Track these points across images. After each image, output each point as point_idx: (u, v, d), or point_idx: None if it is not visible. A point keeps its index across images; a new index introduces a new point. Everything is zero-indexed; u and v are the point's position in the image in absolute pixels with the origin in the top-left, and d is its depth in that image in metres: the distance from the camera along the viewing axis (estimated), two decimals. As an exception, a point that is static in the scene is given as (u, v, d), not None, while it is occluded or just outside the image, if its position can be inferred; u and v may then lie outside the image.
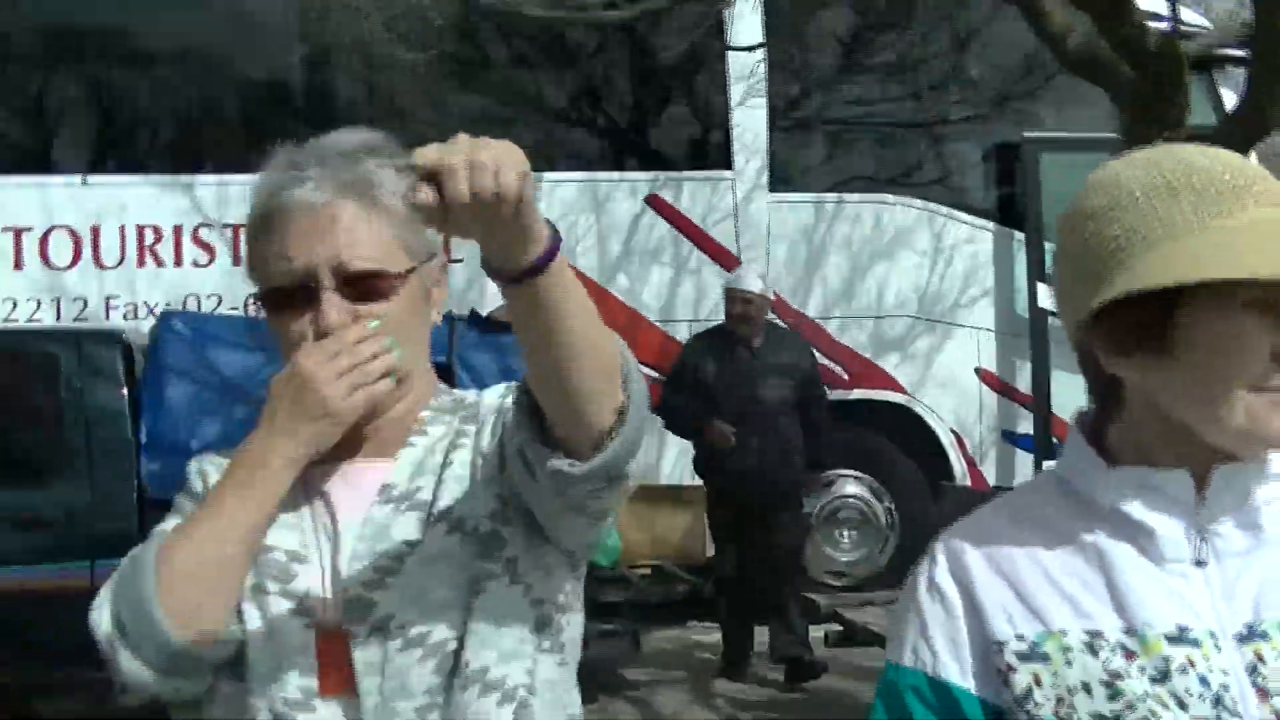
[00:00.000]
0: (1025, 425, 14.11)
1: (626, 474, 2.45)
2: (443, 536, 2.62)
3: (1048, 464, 13.43)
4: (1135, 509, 2.19)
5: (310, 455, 2.62)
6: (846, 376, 13.73)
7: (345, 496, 2.68)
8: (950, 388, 14.19)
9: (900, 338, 14.14)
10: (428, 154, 2.08)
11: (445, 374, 10.27)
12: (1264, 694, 2.09)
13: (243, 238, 2.84)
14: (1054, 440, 13.77)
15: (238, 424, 9.77)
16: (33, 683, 9.64)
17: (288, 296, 2.65)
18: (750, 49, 13.53)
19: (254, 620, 2.60)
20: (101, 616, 2.59)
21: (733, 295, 11.68)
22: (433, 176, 2.07)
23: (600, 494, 2.45)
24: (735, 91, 13.80)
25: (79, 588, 9.30)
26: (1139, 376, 2.19)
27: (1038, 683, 2.17)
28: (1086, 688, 2.14)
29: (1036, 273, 13.75)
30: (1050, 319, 13.67)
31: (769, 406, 11.52)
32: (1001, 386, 14.21)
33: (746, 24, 13.39)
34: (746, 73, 13.76)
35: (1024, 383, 14.08)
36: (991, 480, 14.04)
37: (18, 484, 9.75)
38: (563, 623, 2.73)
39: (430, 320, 2.78)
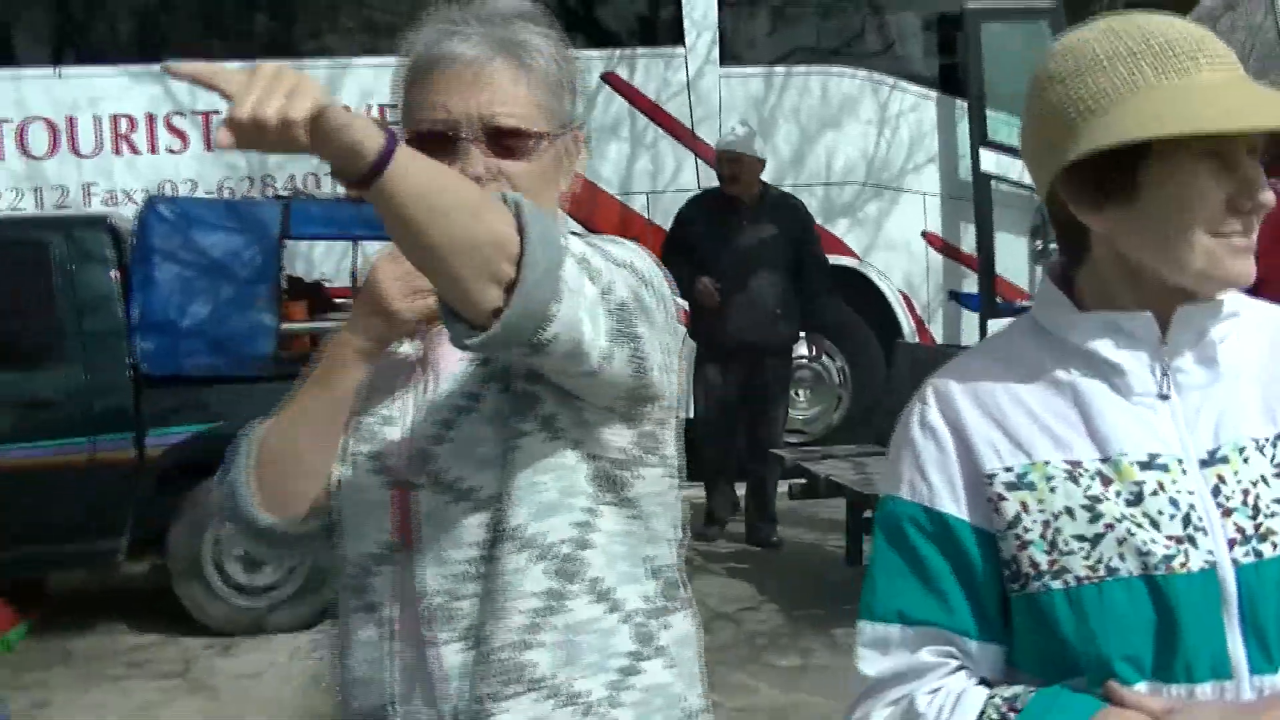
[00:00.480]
0: (970, 285, 14.28)
1: (536, 341, 2.37)
2: (497, 394, 2.66)
3: (992, 321, 13.73)
4: (1105, 348, 2.36)
5: (377, 349, 2.72)
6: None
7: (448, 358, 2.73)
8: (898, 250, 14.30)
9: (849, 204, 14.25)
10: (195, 69, 2.19)
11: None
12: (1227, 512, 2.27)
13: (394, 83, 2.81)
14: (997, 298, 13.98)
15: (225, 302, 10.03)
16: (39, 555, 9.88)
17: (435, 142, 2.64)
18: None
19: (342, 480, 2.75)
20: (216, 495, 2.84)
21: (720, 157, 11.73)
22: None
23: (531, 358, 2.46)
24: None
25: (78, 462, 9.66)
26: (1108, 226, 2.35)
27: (1025, 509, 2.32)
28: (1070, 512, 2.29)
29: (979, 139, 13.92)
30: (993, 183, 13.90)
31: (757, 266, 11.51)
32: (946, 248, 14.36)
33: None
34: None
35: (968, 244, 14.23)
36: (939, 338, 14.22)
37: (16, 367, 9.95)
38: (627, 477, 2.73)
39: (560, 187, 2.80)
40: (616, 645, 2.68)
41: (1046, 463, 2.33)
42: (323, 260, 12.63)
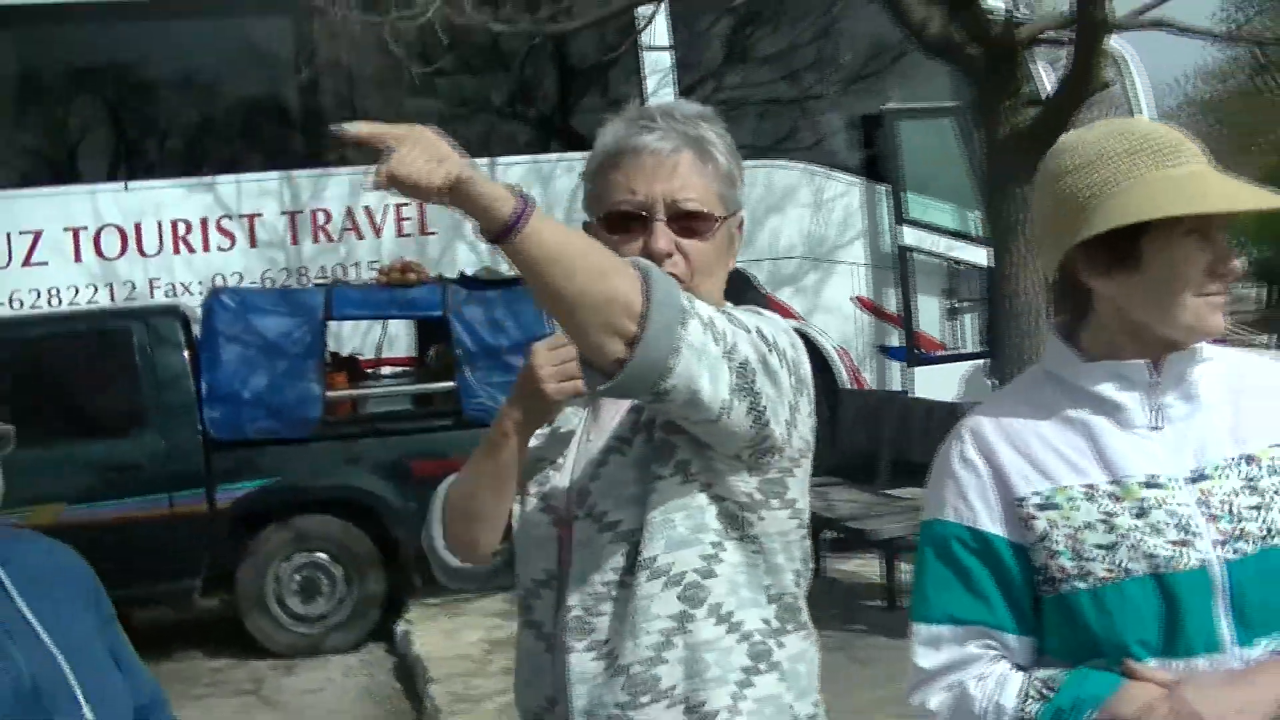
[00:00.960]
0: (894, 339, 14.33)
1: (663, 390, 2.38)
2: (643, 443, 2.66)
3: (915, 368, 13.89)
4: (1108, 390, 2.50)
5: (534, 423, 2.72)
6: (763, 311, 13.79)
7: (608, 411, 2.76)
8: (834, 313, 14.26)
9: (792, 274, 14.22)
10: (360, 130, 2.29)
11: (442, 327, 10.65)
12: (1213, 519, 2.41)
13: (584, 171, 2.81)
14: (918, 349, 14.18)
15: (279, 375, 10.11)
16: (125, 595, 9.94)
17: (625, 221, 2.68)
18: (661, 49, 13.76)
19: (516, 516, 2.78)
20: (423, 539, 2.89)
21: None
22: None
23: (654, 405, 2.47)
24: (650, 82, 13.89)
25: (159, 516, 9.74)
26: (1114, 289, 2.49)
27: (1053, 526, 2.44)
28: (1090, 526, 2.42)
29: (899, 217, 14.04)
30: (911, 254, 14.05)
31: None
32: (874, 309, 14.36)
33: (657, 28, 13.45)
34: (659, 68, 13.88)
35: (892, 305, 14.29)
36: (871, 384, 14.20)
37: (106, 435, 10.05)
38: (752, 518, 2.68)
39: (729, 264, 2.80)
40: (734, 661, 2.65)
41: (1068, 487, 2.46)
42: (351, 337, 12.69)
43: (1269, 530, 2.42)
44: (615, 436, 2.70)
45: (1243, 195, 2.43)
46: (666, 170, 2.66)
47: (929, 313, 14.44)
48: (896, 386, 14.06)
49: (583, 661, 2.62)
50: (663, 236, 2.64)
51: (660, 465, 2.63)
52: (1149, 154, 2.45)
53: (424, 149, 2.26)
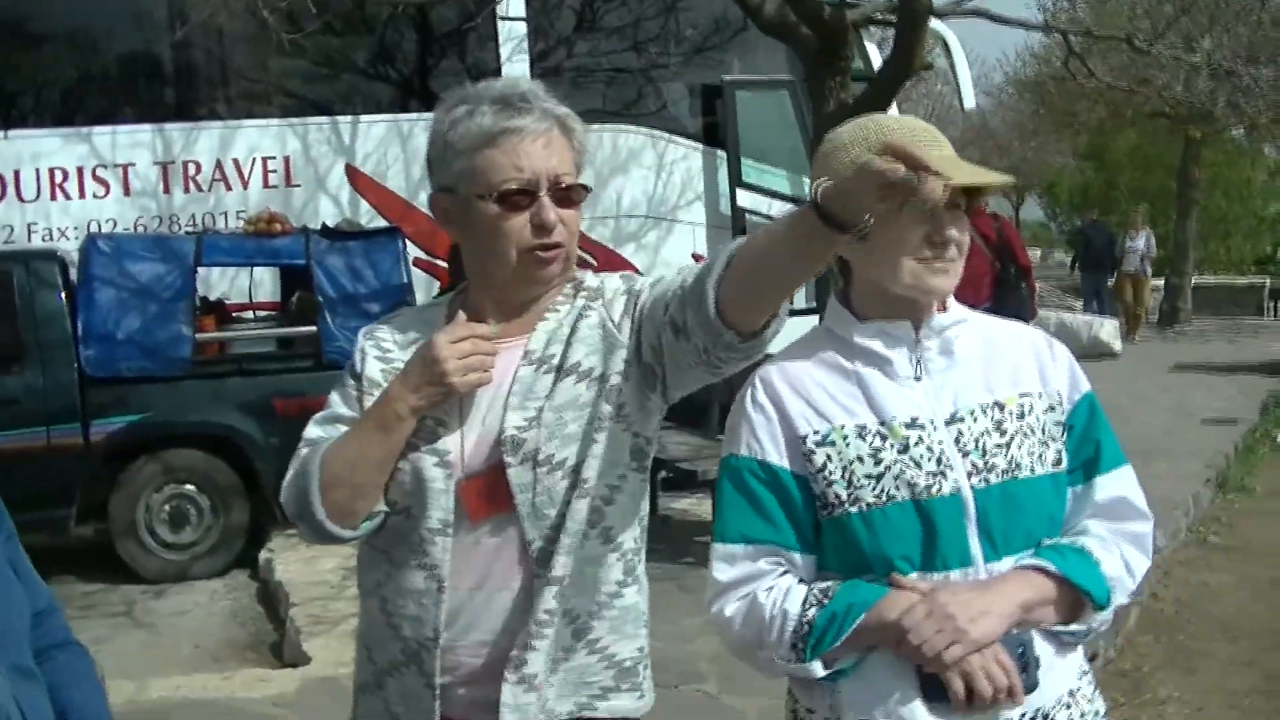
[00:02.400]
0: None
1: (762, 352, 2.67)
2: (571, 385, 2.79)
3: None
4: (878, 346, 2.73)
5: (427, 408, 2.78)
6: (595, 263, 13.91)
7: (500, 365, 2.82)
8: (673, 269, 14.27)
9: (634, 232, 14.33)
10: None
11: (305, 274, 10.71)
12: (965, 454, 2.64)
13: (445, 148, 2.83)
14: None
15: (151, 317, 10.12)
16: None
17: (513, 198, 2.75)
18: (516, 19, 13.82)
19: (405, 473, 2.82)
20: (285, 500, 2.92)
21: None
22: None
23: (738, 360, 2.66)
24: (505, 49, 13.93)
25: (37, 448, 9.74)
26: (852, 255, 2.74)
27: (829, 459, 2.65)
28: (861, 459, 2.63)
29: (735, 181, 14.11)
30: (746, 215, 14.16)
31: None
32: None
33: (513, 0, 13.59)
34: (513, 36, 13.93)
35: None
36: None
37: (-14, 372, 9.92)
38: (649, 450, 2.91)
39: None
40: (610, 576, 2.86)
41: (842, 426, 2.68)
42: (219, 282, 12.69)
43: (1013, 465, 2.66)
44: (524, 389, 2.81)
45: (958, 173, 2.58)
46: (543, 148, 2.77)
47: (777, 333, 14.53)
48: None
49: (548, 596, 2.78)
50: (551, 209, 2.77)
51: (606, 405, 2.79)
52: (876, 143, 2.62)
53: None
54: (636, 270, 13.84)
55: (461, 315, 2.86)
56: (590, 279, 2.99)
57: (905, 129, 2.72)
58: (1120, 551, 2.75)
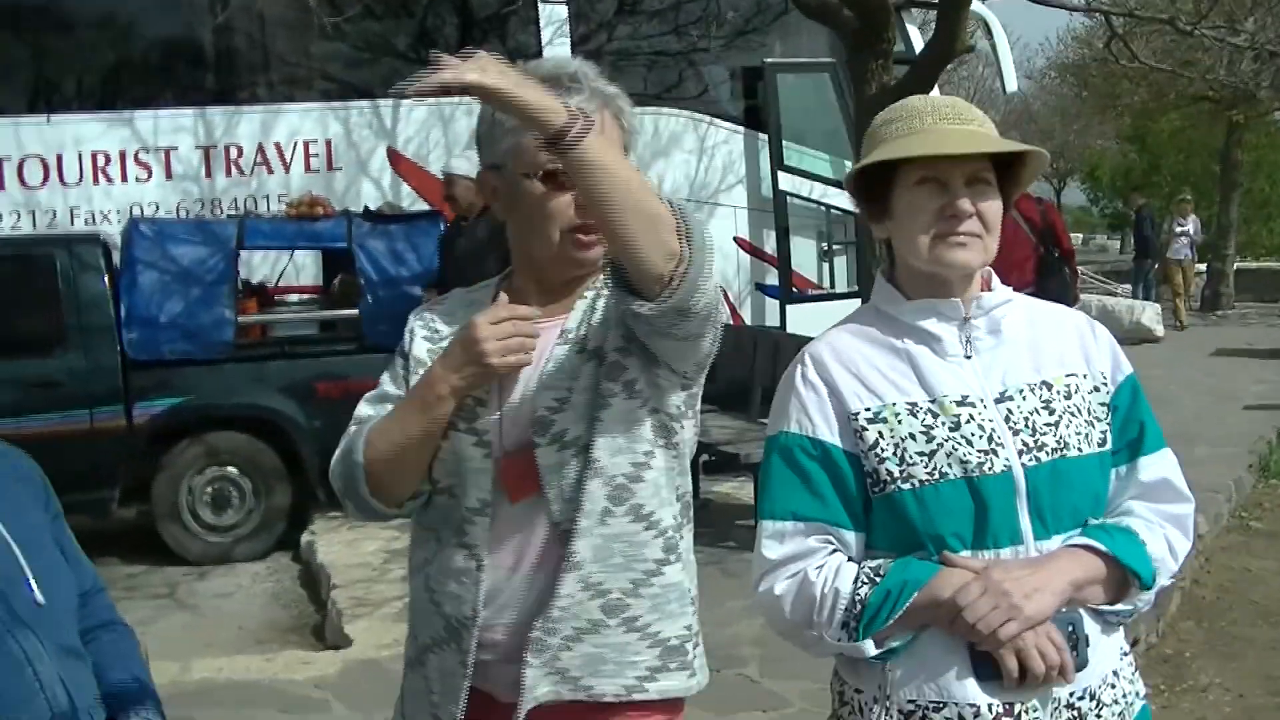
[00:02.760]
0: (771, 278, 14.38)
1: (691, 309, 2.60)
2: (593, 366, 2.81)
3: (790, 305, 14.02)
4: (929, 324, 2.74)
5: (470, 389, 2.81)
6: None
7: (539, 345, 2.84)
8: (715, 253, 14.14)
9: None
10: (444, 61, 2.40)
11: (346, 258, 10.74)
12: (1015, 432, 2.65)
13: (494, 125, 2.86)
14: (793, 289, 14.29)
15: (193, 300, 10.18)
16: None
17: (559, 176, 2.74)
18: (557, 2, 13.77)
19: (447, 452, 2.87)
20: (333, 477, 2.96)
21: (445, 180, 10.41)
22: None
23: (678, 325, 2.62)
24: (546, 33, 13.86)
25: (80, 431, 9.79)
26: (883, 234, 2.80)
27: (881, 436, 2.66)
28: (912, 436, 2.64)
29: (776, 164, 14.07)
30: (788, 199, 14.16)
31: (457, 279, 9.72)
32: (753, 250, 14.41)
33: None
34: (554, 19, 13.88)
35: (770, 246, 14.35)
36: (748, 320, 14.26)
37: (31, 354, 10.07)
38: (676, 427, 2.90)
39: None
40: (647, 554, 2.86)
41: (894, 404, 2.69)
42: (260, 266, 12.74)
43: (1061, 443, 2.67)
44: (556, 369, 2.83)
45: (949, 145, 2.66)
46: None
47: (804, 254, 14.47)
48: (772, 323, 14.09)
49: (570, 579, 2.81)
50: None
51: (611, 383, 2.80)
52: (902, 120, 2.72)
53: (479, 65, 2.43)
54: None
55: (504, 297, 2.86)
56: None
57: (927, 104, 2.75)
58: (1164, 533, 2.77)
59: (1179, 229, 26.10)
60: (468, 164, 10.07)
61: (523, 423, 2.84)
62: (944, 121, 2.70)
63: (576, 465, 2.80)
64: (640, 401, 2.83)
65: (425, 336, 3.02)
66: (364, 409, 3.02)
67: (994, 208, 2.73)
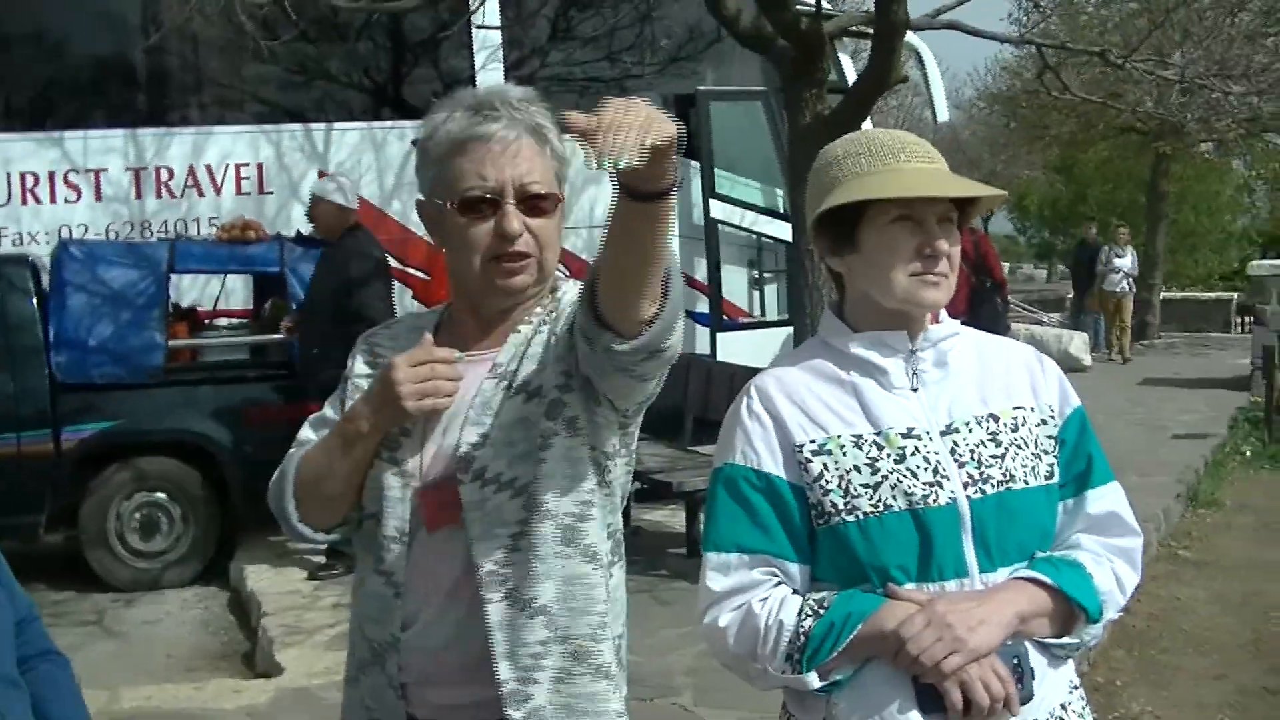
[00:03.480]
0: (702, 305, 14.37)
1: (662, 350, 2.64)
2: (520, 404, 2.79)
3: (720, 334, 14.05)
4: (874, 357, 2.75)
5: (384, 427, 2.83)
6: (568, 274, 13.75)
7: (471, 378, 2.84)
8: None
9: None
10: (576, 121, 2.29)
11: (278, 281, 10.70)
12: (961, 464, 2.67)
13: (422, 155, 2.88)
14: (724, 316, 14.31)
15: (123, 324, 10.12)
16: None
17: (477, 204, 2.76)
18: (491, 28, 13.71)
19: (370, 480, 2.88)
20: (269, 496, 2.97)
21: (312, 201, 10.14)
22: (584, 135, 2.27)
23: (644, 364, 2.63)
24: (479, 58, 13.87)
25: (7, 454, 9.72)
26: (845, 268, 2.80)
27: (826, 469, 2.66)
28: (857, 468, 2.65)
29: (709, 192, 14.13)
30: (719, 226, 14.15)
31: (310, 308, 10.05)
32: (684, 278, 14.30)
33: (488, 8, 13.40)
34: (488, 45, 13.87)
35: (701, 274, 14.35)
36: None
37: (-45, 377, 9.83)
38: (611, 466, 2.87)
39: (561, 234, 2.89)
40: (596, 595, 2.85)
41: (839, 435, 2.70)
42: (190, 289, 12.67)
43: (1007, 476, 2.69)
44: (483, 405, 2.82)
45: (923, 186, 2.69)
46: (511, 156, 2.77)
47: (734, 283, 14.50)
48: (703, 351, 14.09)
49: (499, 610, 2.76)
50: (515, 218, 2.76)
51: (552, 422, 2.78)
52: (868, 156, 2.72)
53: (635, 122, 2.32)
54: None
55: (427, 337, 2.85)
56: (566, 289, 2.98)
57: (896, 142, 2.76)
58: (1112, 566, 2.78)
59: (1116, 259, 25.67)
60: (333, 185, 10.12)
61: (445, 456, 2.83)
62: (915, 160, 2.73)
63: (512, 504, 2.78)
64: (581, 439, 2.82)
65: (366, 361, 3.02)
66: (305, 431, 3.03)
67: (957, 249, 2.77)
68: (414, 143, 2.99)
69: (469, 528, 2.78)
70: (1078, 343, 23.19)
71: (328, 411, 3.03)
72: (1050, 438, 2.81)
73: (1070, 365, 22.15)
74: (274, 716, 7.27)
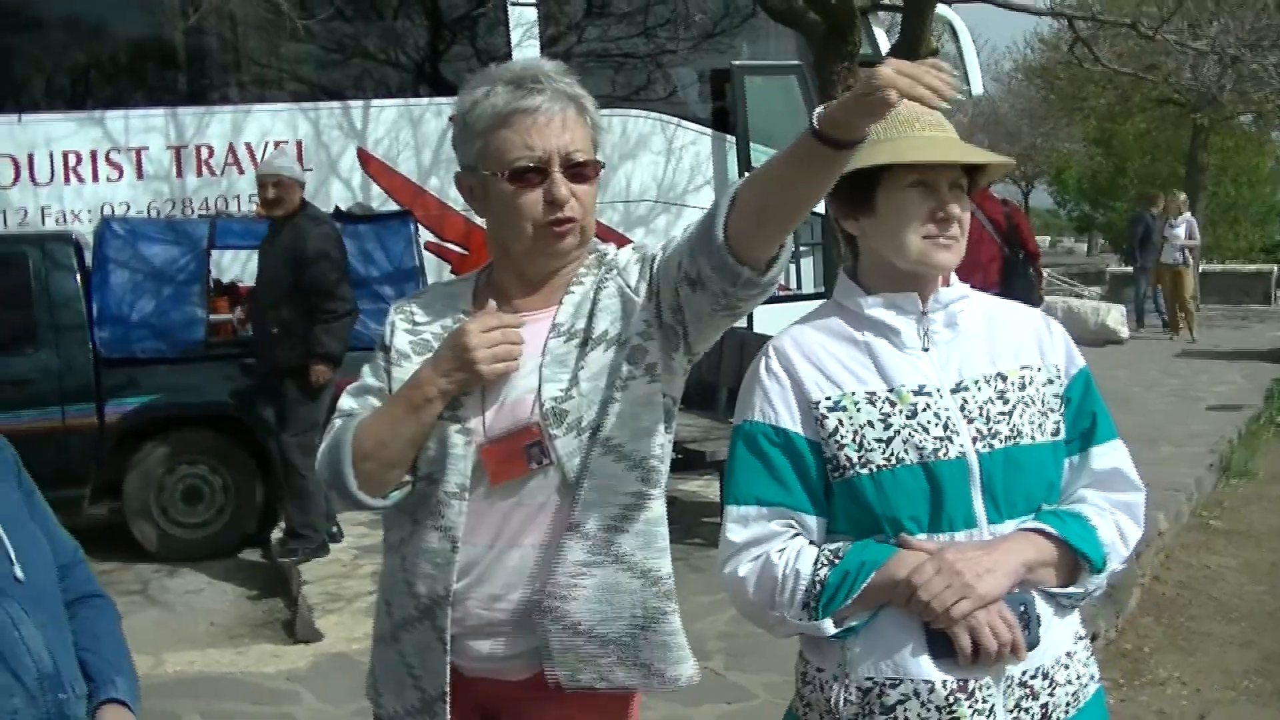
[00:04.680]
0: None
1: (773, 285, 2.78)
2: (602, 354, 2.91)
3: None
4: (888, 317, 2.86)
5: (456, 392, 2.91)
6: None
7: (527, 337, 2.96)
8: None
9: (644, 217, 14.36)
10: (885, 74, 2.33)
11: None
12: (970, 420, 2.77)
13: (464, 129, 2.96)
14: None
15: (165, 299, 10.23)
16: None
17: (526, 174, 2.87)
18: (527, 4, 13.84)
19: (429, 441, 2.96)
20: (319, 468, 3.06)
21: (263, 181, 9.79)
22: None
23: (755, 298, 2.77)
24: (515, 35, 13.95)
25: (52, 428, 9.83)
26: (860, 231, 2.91)
27: (840, 424, 2.76)
28: (870, 423, 2.75)
29: (744, 166, 14.03)
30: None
31: (266, 288, 9.86)
32: None
33: None
34: (524, 21, 13.96)
35: None
36: None
37: (3, 352, 10.19)
38: (675, 411, 3.04)
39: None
40: (663, 531, 3.04)
41: (853, 393, 2.80)
42: (231, 265, 12.79)
43: (1014, 432, 2.79)
44: (557, 360, 2.94)
45: (938, 152, 2.82)
46: (557, 127, 2.88)
47: (785, 263, 14.52)
48: (740, 323, 14.06)
49: (577, 548, 2.92)
50: (563, 185, 2.89)
51: (633, 368, 2.92)
52: (884, 125, 2.78)
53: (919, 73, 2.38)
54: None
55: (492, 304, 2.97)
56: (611, 251, 3.11)
57: (911, 112, 2.84)
58: (1115, 520, 2.88)
59: (1169, 230, 24.11)
60: (289, 162, 10.09)
61: (510, 410, 2.93)
62: (931, 129, 2.83)
63: (598, 447, 2.90)
64: (659, 386, 2.94)
65: (406, 329, 3.11)
66: (346, 401, 3.11)
67: (968, 214, 2.89)
68: (451, 119, 3.07)
69: (568, 475, 2.90)
70: (1115, 315, 23.10)
71: (369, 380, 3.11)
72: (1057, 396, 2.90)
73: (1107, 338, 22.17)
74: (314, 680, 7.40)
